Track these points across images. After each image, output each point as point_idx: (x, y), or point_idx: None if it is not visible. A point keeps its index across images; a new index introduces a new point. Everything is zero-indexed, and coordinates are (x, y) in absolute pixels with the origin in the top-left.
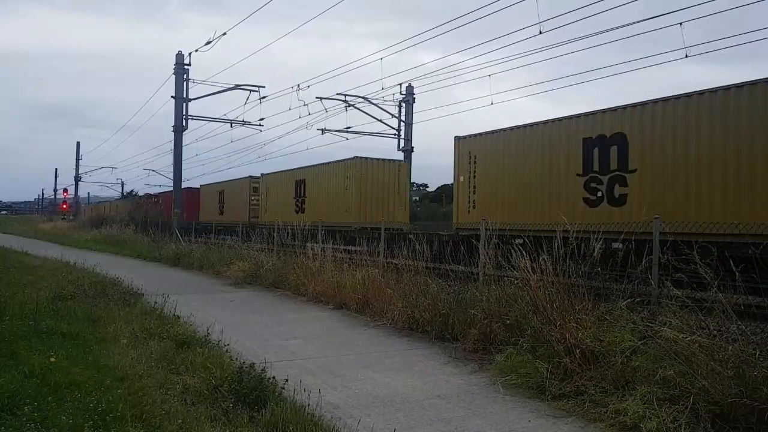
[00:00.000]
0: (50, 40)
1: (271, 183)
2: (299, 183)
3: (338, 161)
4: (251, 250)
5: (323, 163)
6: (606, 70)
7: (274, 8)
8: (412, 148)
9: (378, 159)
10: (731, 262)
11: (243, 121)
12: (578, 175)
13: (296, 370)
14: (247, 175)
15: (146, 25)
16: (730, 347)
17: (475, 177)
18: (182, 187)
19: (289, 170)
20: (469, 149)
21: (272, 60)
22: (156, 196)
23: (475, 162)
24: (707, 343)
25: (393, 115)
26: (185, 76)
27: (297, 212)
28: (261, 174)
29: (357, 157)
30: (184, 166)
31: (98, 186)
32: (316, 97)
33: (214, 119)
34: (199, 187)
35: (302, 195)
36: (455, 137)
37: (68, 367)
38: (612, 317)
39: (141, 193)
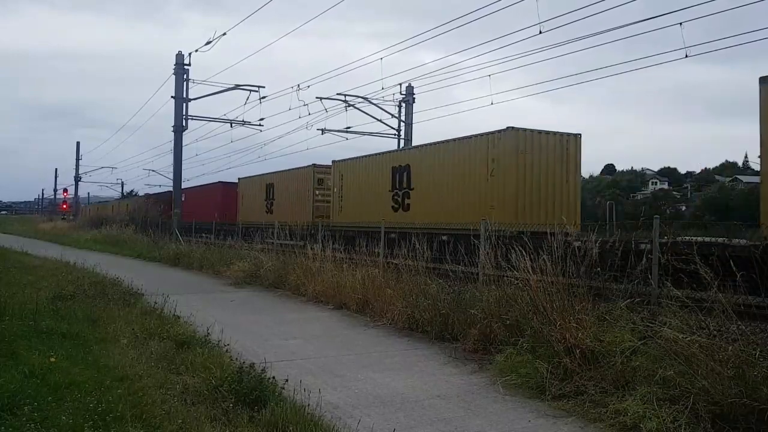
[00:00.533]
0: (50, 40)
1: (351, 171)
2: (399, 171)
3: (479, 135)
4: (252, 250)
5: (445, 141)
6: (606, 70)
7: (274, 8)
8: None
9: (540, 130)
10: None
11: (243, 121)
12: None
13: (296, 370)
14: (310, 163)
15: (146, 25)
16: (730, 347)
17: None
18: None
19: (383, 154)
20: None
21: (273, 60)
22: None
23: None
24: (707, 343)
25: (393, 115)
26: (185, 77)
27: (396, 209)
28: (332, 161)
29: (511, 127)
30: (184, 166)
31: (98, 186)
32: (316, 97)
33: (214, 119)
34: (237, 180)
35: (405, 186)
36: (762, 79)
37: (68, 367)
38: (612, 317)
39: (141, 193)
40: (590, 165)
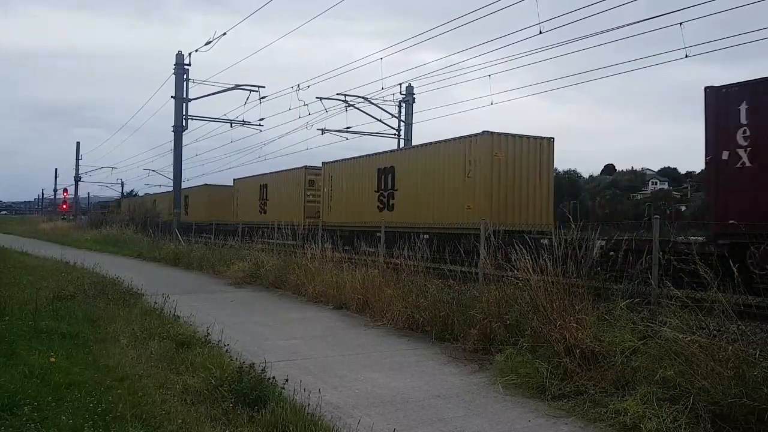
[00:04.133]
0: (50, 40)
1: None
2: None
3: None
4: (252, 250)
5: None
6: (606, 70)
7: (274, 7)
8: None
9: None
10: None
11: (243, 121)
12: None
13: (296, 370)
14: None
15: (146, 24)
16: (730, 347)
17: None
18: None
19: None
20: None
21: (273, 59)
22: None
23: None
24: (707, 343)
25: (393, 115)
26: (185, 76)
27: None
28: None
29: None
30: (184, 166)
31: (98, 186)
32: (316, 97)
33: (214, 119)
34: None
35: None
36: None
37: (68, 367)
38: (612, 317)
39: (141, 194)
40: (590, 164)
